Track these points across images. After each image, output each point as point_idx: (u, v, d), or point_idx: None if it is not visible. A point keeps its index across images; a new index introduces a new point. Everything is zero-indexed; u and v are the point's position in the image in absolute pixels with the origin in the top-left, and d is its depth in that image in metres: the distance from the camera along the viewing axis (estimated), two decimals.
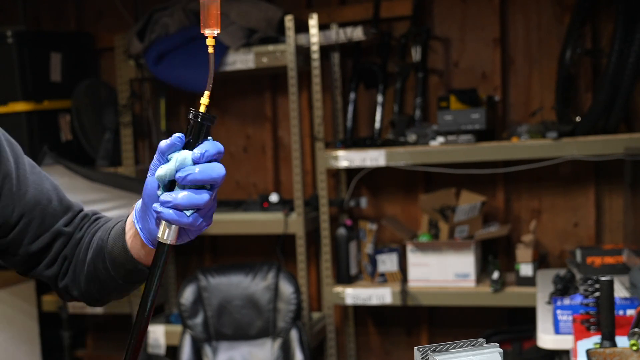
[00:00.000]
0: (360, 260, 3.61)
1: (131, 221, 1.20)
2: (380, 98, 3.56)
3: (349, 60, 3.71)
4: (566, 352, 2.34)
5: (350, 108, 3.62)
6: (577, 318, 2.07)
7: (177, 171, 1.06)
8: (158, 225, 1.11)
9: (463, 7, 3.61)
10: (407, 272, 3.41)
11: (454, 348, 1.04)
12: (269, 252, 3.93)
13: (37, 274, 1.35)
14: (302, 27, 3.49)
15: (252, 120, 3.99)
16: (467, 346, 1.04)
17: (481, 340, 1.04)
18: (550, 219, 3.53)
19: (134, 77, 3.80)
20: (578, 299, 2.22)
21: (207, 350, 3.27)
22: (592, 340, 1.95)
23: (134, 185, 3.52)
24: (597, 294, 1.91)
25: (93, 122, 3.94)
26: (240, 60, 3.51)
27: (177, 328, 3.59)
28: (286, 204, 3.61)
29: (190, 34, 3.59)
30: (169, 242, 1.09)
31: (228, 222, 3.64)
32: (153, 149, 4.07)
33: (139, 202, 1.17)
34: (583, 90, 3.44)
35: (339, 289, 3.46)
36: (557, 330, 2.28)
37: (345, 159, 3.39)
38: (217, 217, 3.67)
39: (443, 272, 3.34)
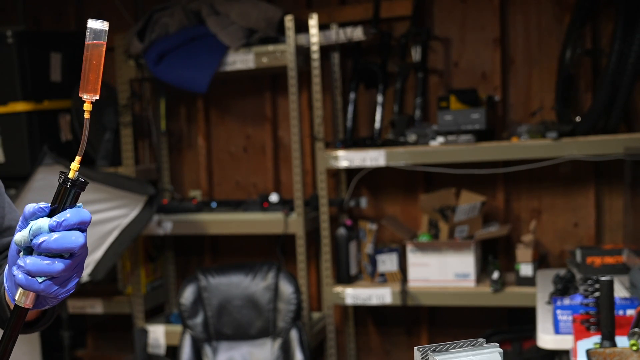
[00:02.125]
0: (360, 260, 3.61)
1: None
2: (380, 98, 3.56)
3: (349, 60, 3.71)
4: (566, 352, 2.34)
5: (350, 108, 3.62)
6: (577, 318, 2.07)
7: (30, 239, 1.03)
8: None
9: (463, 7, 3.61)
10: (407, 272, 3.41)
11: (454, 348, 1.04)
12: (269, 252, 3.93)
13: None
14: (302, 27, 3.50)
15: (252, 120, 4.00)
16: (467, 346, 1.04)
17: (481, 340, 1.04)
18: (550, 219, 3.53)
19: (134, 77, 3.80)
20: (578, 299, 2.22)
21: (207, 350, 3.27)
22: (592, 340, 1.95)
23: (134, 185, 3.52)
24: (597, 294, 1.91)
25: (93, 122, 3.93)
26: (240, 60, 3.51)
27: (177, 328, 3.59)
28: (286, 204, 3.61)
29: (190, 34, 3.59)
30: (22, 305, 1.07)
31: (228, 222, 3.64)
32: (153, 148, 4.07)
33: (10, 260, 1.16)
34: (583, 90, 3.44)
35: (339, 289, 3.46)
36: (557, 330, 2.28)
37: (345, 159, 3.39)
38: (217, 217, 3.68)
39: (443, 272, 3.34)
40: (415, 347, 1.04)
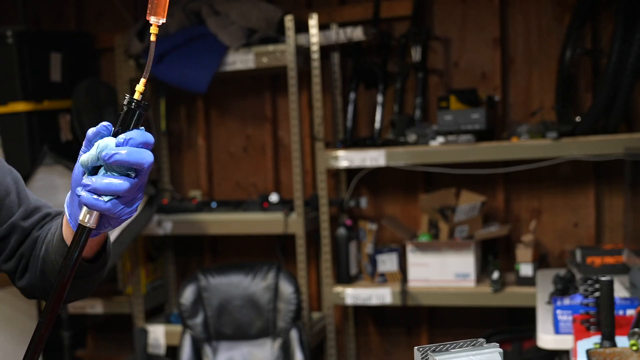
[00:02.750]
0: (360, 260, 3.61)
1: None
2: (380, 98, 3.56)
3: (349, 60, 3.71)
4: (566, 352, 2.34)
5: (350, 108, 3.62)
6: (577, 318, 2.07)
7: (98, 157, 1.04)
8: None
9: (463, 7, 3.61)
10: (407, 272, 3.41)
11: (454, 348, 1.04)
12: (269, 252, 3.93)
13: (3, 270, 1.35)
14: (302, 27, 3.49)
15: (252, 120, 4.00)
16: (467, 346, 1.04)
17: (481, 340, 1.04)
18: (550, 219, 3.53)
19: (134, 77, 3.80)
20: (578, 299, 2.22)
21: (207, 350, 3.27)
22: (592, 340, 1.95)
23: None
24: (597, 294, 1.91)
25: (93, 122, 3.92)
26: (240, 60, 3.51)
27: (177, 328, 3.59)
28: (286, 204, 3.61)
29: (190, 34, 3.59)
30: (88, 226, 1.07)
31: (228, 222, 3.64)
32: (153, 148, 4.06)
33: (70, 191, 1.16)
34: (583, 90, 3.44)
35: (339, 289, 3.46)
36: (557, 330, 2.28)
37: (345, 159, 3.39)
38: (217, 217, 3.69)
39: (443, 272, 3.34)
40: (415, 347, 1.04)
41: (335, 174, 3.79)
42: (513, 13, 3.55)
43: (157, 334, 3.70)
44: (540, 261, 3.45)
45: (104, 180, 1.04)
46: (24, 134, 3.68)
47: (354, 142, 3.53)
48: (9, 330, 3.56)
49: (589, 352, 1.79)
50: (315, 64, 3.46)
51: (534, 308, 2.71)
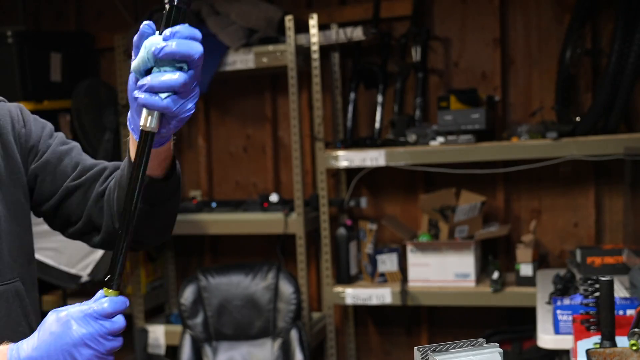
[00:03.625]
0: (360, 260, 3.61)
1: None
2: (380, 98, 3.56)
3: (349, 60, 3.71)
4: (566, 352, 2.34)
5: (350, 108, 3.62)
6: (577, 318, 2.07)
7: (148, 58, 1.02)
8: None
9: (463, 7, 3.61)
10: (407, 272, 3.41)
11: (454, 348, 1.04)
12: (269, 252, 3.93)
13: (74, 235, 1.36)
14: (302, 27, 3.49)
15: (252, 120, 3.99)
16: (467, 346, 1.04)
17: (481, 340, 1.04)
18: (550, 219, 3.53)
19: None
20: (578, 299, 2.22)
21: (207, 350, 3.27)
22: (592, 340, 1.95)
23: None
24: (597, 294, 1.91)
25: (93, 122, 3.93)
26: (240, 60, 3.51)
27: (177, 328, 3.59)
28: (286, 204, 3.61)
29: None
30: (150, 129, 1.06)
31: (228, 222, 3.64)
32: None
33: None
34: (583, 90, 3.44)
35: (339, 289, 3.46)
36: (557, 330, 2.28)
37: (345, 159, 3.39)
38: (217, 217, 3.68)
39: (443, 272, 3.34)
40: (415, 347, 1.04)
41: (335, 174, 3.79)
42: (513, 13, 3.55)
43: (157, 334, 3.70)
44: (540, 261, 3.45)
45: (159, 76, 1.02)
46: None
47: (354, 142, 3.53)
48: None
49: (589, 352, 1.79)
50: (315, 64, 3.46)
51: (534, 308, 2.71)
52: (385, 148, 3.35)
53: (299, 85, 3.49)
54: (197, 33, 1.04)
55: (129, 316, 3.90)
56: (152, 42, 1.02)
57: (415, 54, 3.54)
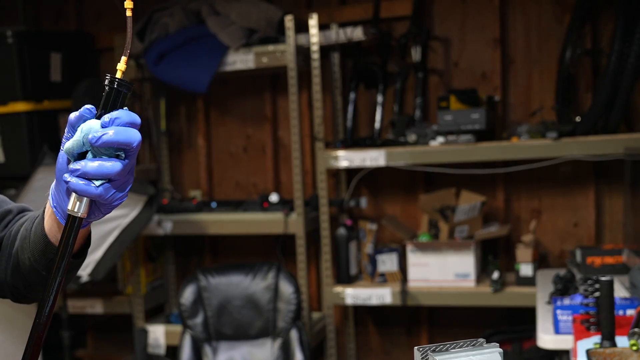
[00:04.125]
0: (360, 260, 3.61)
1: (49, 205, 1.13)
2: (380, 98, 3.56)
3: (349, 60, 3.71)
4: (566, 352, 2.34)
5: (350, 108, 3.62)
6: (577, 318, 2.07)
7: (83, 142, 0.99)
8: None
9: (463, 7, 3.61)
10: (407, 272, 3.41)
11: (454, 348, 1.03)
12: (269, 252, 3.93)
13: None
14: (302, 27, 3.49)
15: (252, 120, 3.99)
16: (467, 346, 1.04)
17: (481, 340, 1.04)
18: (550, 219, 3.53)
19: (134, 77, 3.80)
20: (578, 299, 2.22)
21: (207, 350, 3.27)
22: (592, 340, 1.95)
23: (134, 185, 3.51)
24: (597, 294, 1.91)
25: None
26: (240, 60, 3.51)
27: (177, 328, 3.59)
28: (286, 204, 3.61)
29: (190, 34, 3.59)
30: (79, 215, 1.02)
31: (228, 222, 3.64)
32: (153, 149, 4.07)
33: (54, 182, 1.10)
34: (583, 90, 3.44)
35: (339, 289, 3.46)
36: (557, 330, 2.28)
37: (345, 159, 3.39)
38: (217, 217, 3.68)
39: (443, 272, 3.34)
40: (415, 347, 1.04)
41: (335, 174, 3.79)
42: (513, 13, 3.55)
43: (157, 334, 3.70)
44: (540, 261, 3.45)
45: (94, 163, 0.99)
46: (24, 134, 3.68)
47: (354, 142, 3.53)
48: (9, 330, 3.56)
49: (589, 352, 1.79)
50: (315, 64, 3.46)
51: (534, 308, 2.71)
52: (385, 148, 3.35)
53: (299, 85, 3.49)
54: (137, 119, 1.00)
55: (129, 316, 3.90)
56: (90, 126, 0.99)
57: (415, 54, 3.54)
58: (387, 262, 3.52)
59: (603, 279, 1.89)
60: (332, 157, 3.42)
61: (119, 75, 1.01)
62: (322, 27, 3.53)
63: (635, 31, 2.85)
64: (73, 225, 1.03)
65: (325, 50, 3.62)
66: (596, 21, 3.38)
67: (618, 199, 3.39)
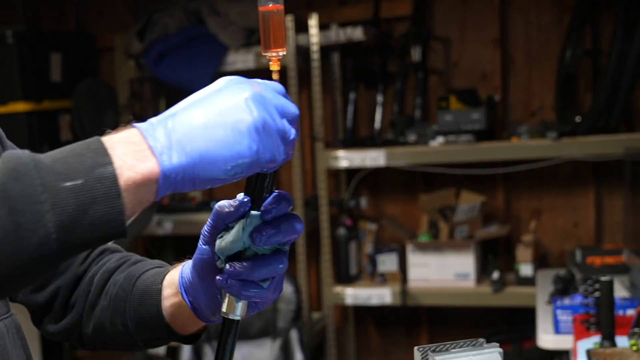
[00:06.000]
0: (360, 260, 3.61)
1: (172, 286, 1.01)
2: (380, 98, 3.56)
3: (349, 60, 3.70)
4: (566, 352, 2.34)
5: (350, 108, 3.62)
6: (577, 318, 2.07)
7: (244, 241, 0.87)
8: (215, 297, 0.93)
9: (463, 7, 3.61)
10: (407, 272, 3.41)
11: (454, 348, 1.03)
12: None
13: (28, 303, 1.17)
14: (302, 27, 3.49)
15: None
16: (467, 346, 1.03)
17: (481, 340, 1.04)
18: (550, 219, 3.53)
19: (134, 77, 3.80)
20: (578, 299, 2.22)
21: (207, 350, 3.27)
22: (592, 340, 1.95)
23: None
24: (597, 294, 1.91)
25: (93, 122, 3.93)
26: (240, 60, 3.51)
27: None
28: None
29: (190, 34, 3.59)
30: (238, 318, 0.90)
31: None
32: None
33: (185, 267, 0.99)
34: (583, 90, 3.44)
35: (339, 289, 3.46)
36: (557, 330, 2.28)
37: (345, 159, 3.39)
38: None
39: (443, 272, 3.34)
40: (415, 347, 1.04)
41: (335, 174, 3.78)
42: (513, 13, 3.54)
43: None
44: (540, 261, 3.45)
45: (264, 267, 0.87)
46: (24, 134, 3.68)
47: (354, 142, 3.53)
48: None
49: (589, 352, 1.79)
50: (315, 64, 3.46)
51: (534, 308, 2.71)
52: (385, 148, 3.35)
53: (299, 85, 3.49)
54: (291, 201, 0.91)
55: None
56: (251, 220, 0.87)
57: (415, 54, 3.54)
58: (387, 262, 3.52)
59: (603, 279, 1.89)
60: (332, 157, 3.41)
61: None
62: (322, 27, 3.53)
63: (635, 31, 2.85)
64: (232, 329, 0.91)
65: (325, 50, 3.62)
66: (596, 21, 3.38)
67: (618, 199, 3.39)
